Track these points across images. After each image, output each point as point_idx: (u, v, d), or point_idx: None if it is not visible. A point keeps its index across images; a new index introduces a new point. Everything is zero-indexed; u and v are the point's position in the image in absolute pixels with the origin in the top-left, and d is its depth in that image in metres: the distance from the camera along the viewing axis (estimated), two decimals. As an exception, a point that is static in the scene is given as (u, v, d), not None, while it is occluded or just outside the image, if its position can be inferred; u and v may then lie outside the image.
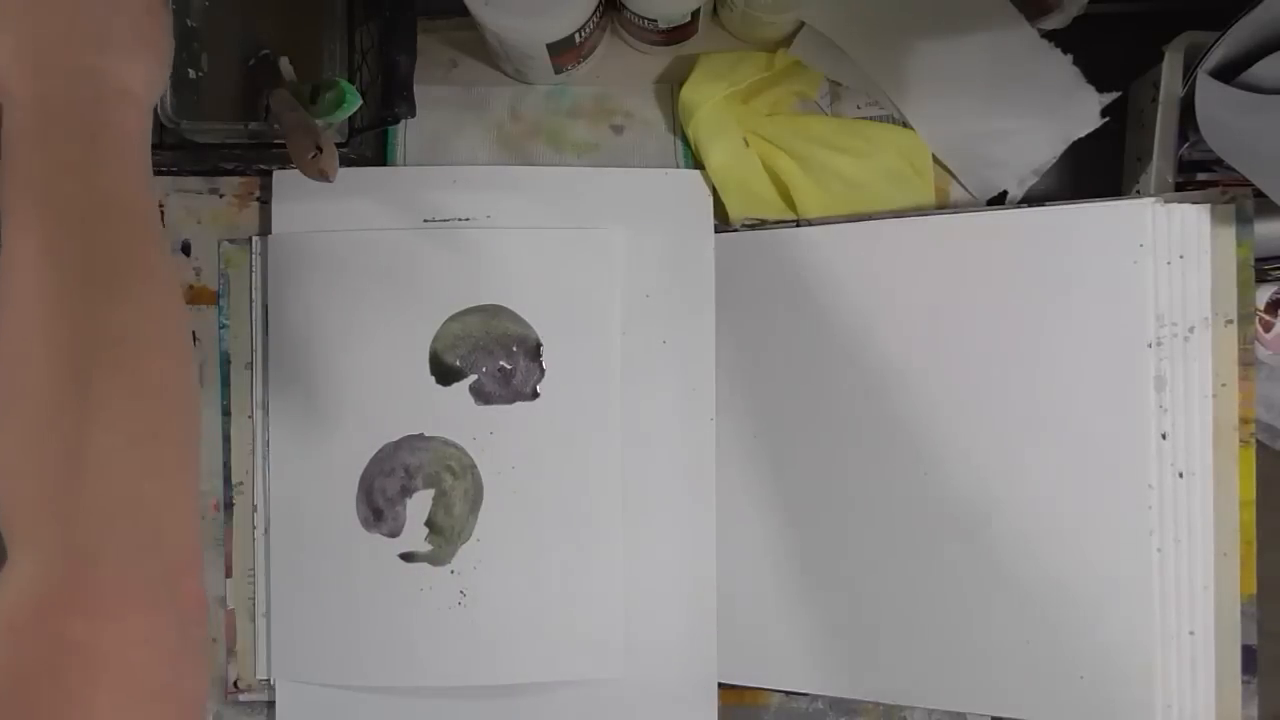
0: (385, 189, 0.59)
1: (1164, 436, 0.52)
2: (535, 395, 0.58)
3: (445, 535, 0.58)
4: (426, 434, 0.58)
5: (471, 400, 0.58)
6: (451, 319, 0.58)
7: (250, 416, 0.60)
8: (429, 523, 0.58)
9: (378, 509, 0.58)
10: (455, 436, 0.58)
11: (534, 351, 0.59)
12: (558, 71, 0.59)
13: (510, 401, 0.58)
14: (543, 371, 0.58)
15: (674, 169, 0.60)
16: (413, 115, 0.53)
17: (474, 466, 0.58)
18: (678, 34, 0.58)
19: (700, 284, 0.59)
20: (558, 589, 0.58)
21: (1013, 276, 0.55)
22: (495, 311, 0.59)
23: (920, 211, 0.58)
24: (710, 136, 0.58)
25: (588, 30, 0.54)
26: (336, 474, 0.58)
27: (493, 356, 0.58)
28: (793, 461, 0.58)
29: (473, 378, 0.59)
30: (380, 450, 0.58)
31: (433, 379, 0.58)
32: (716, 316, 0.59)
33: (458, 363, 0.59)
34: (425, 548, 0.58)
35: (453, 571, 0.58)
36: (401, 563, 0.58)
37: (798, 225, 0.59)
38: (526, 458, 0.58)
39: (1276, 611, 0.55)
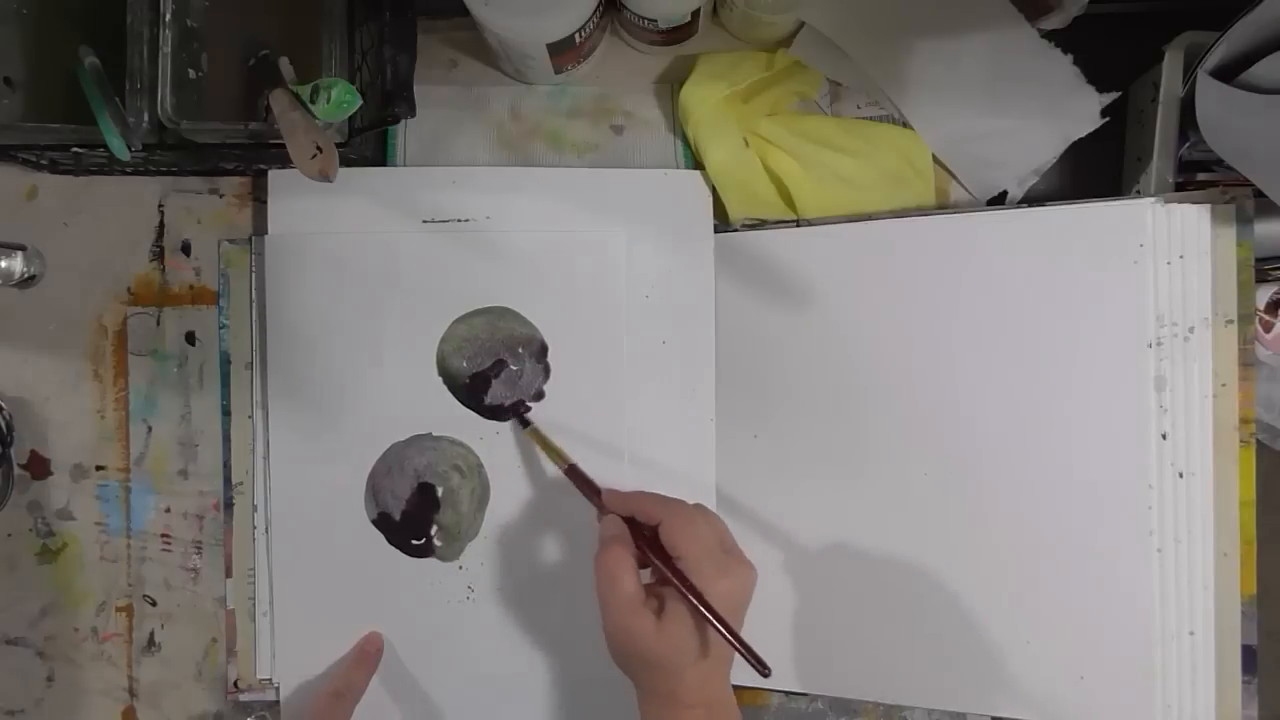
0: (385, 189, 0.59)
1: (1164, 436, 0.52)
2: (541, 396, 0.59)
3: (453, 533, 0.59)
4: (435, 434, 0.59)
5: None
6: (458, 321, 0.59)
7: (250, 416, 0.60)
8: (437, 520, 0.59)
9: (386, 507, 0.59)
10: (462, 436, 0.59)
11: (540, 353, 0.59)
12: (558, 71, 0.59)
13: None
14: (548, 373, 0.59)
15: (674, 169, 0.60)
16: (413, 115, 0.53)
17: (481, 465, 0.59)
18: (678, 34, 0.58)
19: (700, 284, 0.59)
20: (563, 585, 0.58)
21: (1013, 276, 0.55)
22: (501, 313, 0.59)
23: (920, 211, 0.58)
24: (710, 136, 0.58)
25: (588, 30, 0.54)
26: (343, 473, 0.58)
27: (499, 358, 0.59)
28: (792, 461, 0.59)
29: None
30: (389, 449, 0.59)
31: (440, 380, 0.59)
32: (716, 316, 0.60)
33: (465, 364, 0.59)
34: (434, 544, 0.59)
35: (460, 567, 0.59)
36: (410, 559, 0.59)
37: (798, 225, 0.59)
38: (532, 457, 0.59)
39: (1276, 611, 0.55)
